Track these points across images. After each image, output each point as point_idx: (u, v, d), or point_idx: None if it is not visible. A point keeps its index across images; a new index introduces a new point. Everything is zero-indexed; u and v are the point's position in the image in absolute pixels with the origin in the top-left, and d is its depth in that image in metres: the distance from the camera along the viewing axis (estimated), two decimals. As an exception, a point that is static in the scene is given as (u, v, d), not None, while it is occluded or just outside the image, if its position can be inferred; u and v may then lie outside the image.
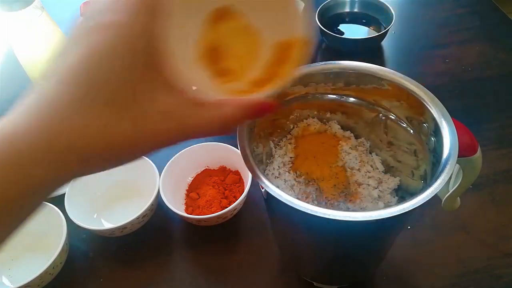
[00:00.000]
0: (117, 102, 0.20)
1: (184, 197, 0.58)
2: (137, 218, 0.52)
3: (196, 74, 0.24)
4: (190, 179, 0.59)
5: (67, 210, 0.52)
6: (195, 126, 0.22)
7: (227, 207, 0.52)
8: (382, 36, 0.76)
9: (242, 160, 0.36)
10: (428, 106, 0.38)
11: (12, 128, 0.20)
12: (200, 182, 0.59)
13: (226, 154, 0.58)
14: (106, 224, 0.56)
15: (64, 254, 0.52)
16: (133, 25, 0.20)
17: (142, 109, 0.21)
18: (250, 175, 0.52)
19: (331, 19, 0.81)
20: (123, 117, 0.20)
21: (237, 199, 0.53)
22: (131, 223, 0.52)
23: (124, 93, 0.20)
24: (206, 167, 0.60)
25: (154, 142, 0.22)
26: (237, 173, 0.58)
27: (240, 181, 0.58)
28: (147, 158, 0.58)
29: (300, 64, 0.25)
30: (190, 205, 0.56)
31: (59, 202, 0.53)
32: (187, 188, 0.59)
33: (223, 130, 0.24)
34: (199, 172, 0.60)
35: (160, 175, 0.56)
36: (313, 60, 0.44)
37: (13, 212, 0.21)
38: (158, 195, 0.54)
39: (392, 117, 0.44)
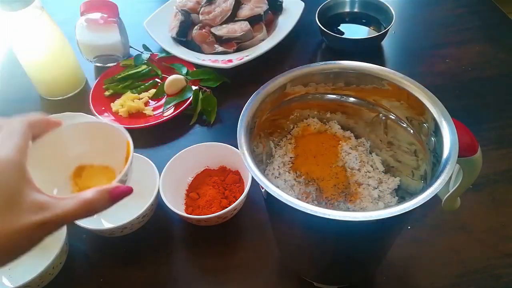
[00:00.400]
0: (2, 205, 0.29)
1: (184, 197, 0.58)
2: (137, 218, 0.52)
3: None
4: (190, 179, 0.59)
5: None
6: (64, 212, 0.31)
7: (227, 207, 0.52)
8: (382, 36, 0.76)
9: (242, 160, 0.36)
10: (428, 106, 0.38)
11: None
12: (200, 182, 0.59)
13: (226, 154, 0.58)
14: (106, 224, 0.56)
15: (64, 254, 0.52)
16: (13, 161, 0.31)
17: (17, 210, 0.29)
18: (250, 175, 0.52)
19: (331, 19, 0.81)
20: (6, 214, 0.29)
21: (237, 199, 0.53)
22: (131, 223, 0.52)
23: (9, 199, 0.29)
24: (206, 167, 0.60)
25: (33, 234, 0.31)
26: (237, 173, 0.58)
27: (240, 181, 0.58)
28: (147, 158, 0.58)
29: (130, 158, 0.40)
30: (190, 205, 0.56)
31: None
32: (187, 188, 0.59)
33: (87, 212, 0.32)
34: (199, 172, 0.60)
35: (160, 175, 0.56)
36: (313, 60, 0.43)
37: None
38: (158, 195, 0.54)
39: (392, 117, 0.44)
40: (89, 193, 0.33)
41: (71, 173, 0.49)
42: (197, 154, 0.59)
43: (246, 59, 0.74)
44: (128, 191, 0.36)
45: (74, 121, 0.51)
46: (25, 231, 0.31)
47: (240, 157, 0.36)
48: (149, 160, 0.57)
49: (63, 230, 0.51)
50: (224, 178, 0.58)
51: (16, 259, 0.32)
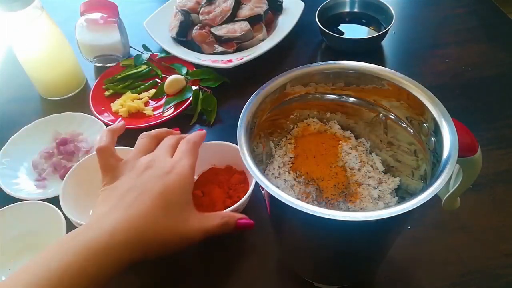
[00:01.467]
0: (175, 214, 0.42)
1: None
2: None
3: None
4: (195, 177, 0.59)
5: (64, 210, 0.52)
6: (210, 227, 0.44)
7: (230, 207, 0.52)
8: (382, 36, 0.76)
9: (242, 160, 0.36)
10: (428, 106, 0.38)
11: (112, 229, 0.38)
12: (205, 180, 0.58)
13: (232, 154, 0.58)
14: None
15: None
16: (189, 176, 0.45)
17: (186, 217, 0.43)
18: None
19: (331, 19, 0.81)
20: (177, 220, 0.42)
21: (240, 199, 0.53)
22: None
23: (180, 210, 0.43)
24: (213, 166, 0.60)
25: (189, 237, 0.42)
26: (242, 173, 0.58)
27: (245, 181, 0.57)
28: None
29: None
30: (194, 203, 0.56)
31: (59, 202, 0.53)
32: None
33: (222, 232, 0.44)
34: (205, 170, 0.60)
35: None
36: (313, 60, 0.44)
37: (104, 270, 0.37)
38: None
39: (392, 117, 0.44)
40: (226, 216, 0.45)
41: None
42: (204, 152, 0.59)
43: (246, 59, 0.74)
44: (250, 225, 0.46)
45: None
46: (192, 232, 0.42)
47: (244, 157, 0.36)
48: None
49: (63, 230, 0.51)
50: (229, 178, 0.58)
51: (169, 253, 0.42)
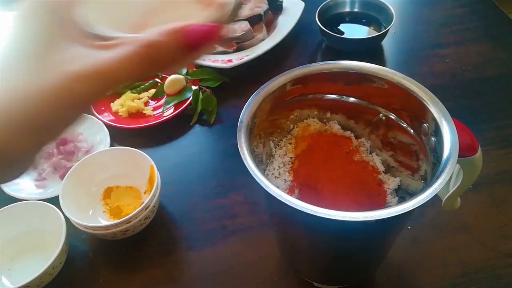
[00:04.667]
0: (31, 56, 0.22)
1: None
2: (139, 220, 0.52)
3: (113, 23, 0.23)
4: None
5: (63, 210, 0.52)
6: (108, 64, 0.21)
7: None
8: (382, 36, 0.75)
9: (242, 160, 0.36)
10: (428, 106, 0.38)
11: None
12: None
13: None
14: (103, 221, 0.56)
15: (64, 254, 0.52)
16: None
17: (54, 59, 0.21)
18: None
19: (331, 19, 0.81)
20: (38, 67, 0.21)
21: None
22: (133, 225, 0.52)
23: (39, 48, 0.22)
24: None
25: (73, 88, 0.21)
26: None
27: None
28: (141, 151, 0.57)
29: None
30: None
31: (59, 202, 0.53)
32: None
33: (150, 61, 0.21)
34: None
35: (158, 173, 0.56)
36: (313, 60, 0.43)
37: None
38: (158, 194, 0.54)
39: (392, 117, 0.44)
40: (149, 35, 0.21)
41: (101, 195, 0.59)
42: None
43: (246, 59, 0.74)
44: (213, 31, 0.22)
45: (102, 149, 0.60)
46: (59, 90, 0.21)
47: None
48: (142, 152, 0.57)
49: (63, 231, 0.51)
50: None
51: (55, 136, 0.23)
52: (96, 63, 0.21)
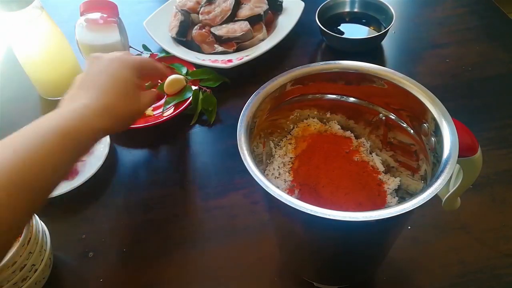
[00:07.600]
0: (127, 95, 0.50)
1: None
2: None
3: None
4: None
5: None
6: (147, 101, 0.54)
7: None
8: (382, 36, 0.76)
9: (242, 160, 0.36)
10: (428, 106, 0.38)
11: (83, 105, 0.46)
12: None
13: None
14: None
15: (47, 269, 0.51)
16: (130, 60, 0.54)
17: (137, 98, 0.52)
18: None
19: (331, 19, 0.81)
20: (129, 100, 0.51)
21: None
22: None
23: (130, 91, 0.51)
24: None
25: (140, 111, 0.53)
26: None
27: None
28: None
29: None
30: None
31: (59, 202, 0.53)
32: None
33: (155, 101, 0.56)
34: None
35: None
36: (313, 60, 0.43)
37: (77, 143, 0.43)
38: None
39: (392, 117, 0.44)
40: (154, 92, 0.56)
41: None
42: None
43: (246, 59, 0.74)
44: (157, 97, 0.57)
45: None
46: (141, 106, 0.52)
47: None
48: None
49: (48, 245, 0.50)
50: None
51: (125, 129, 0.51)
52: (145, 104, 0.53)
